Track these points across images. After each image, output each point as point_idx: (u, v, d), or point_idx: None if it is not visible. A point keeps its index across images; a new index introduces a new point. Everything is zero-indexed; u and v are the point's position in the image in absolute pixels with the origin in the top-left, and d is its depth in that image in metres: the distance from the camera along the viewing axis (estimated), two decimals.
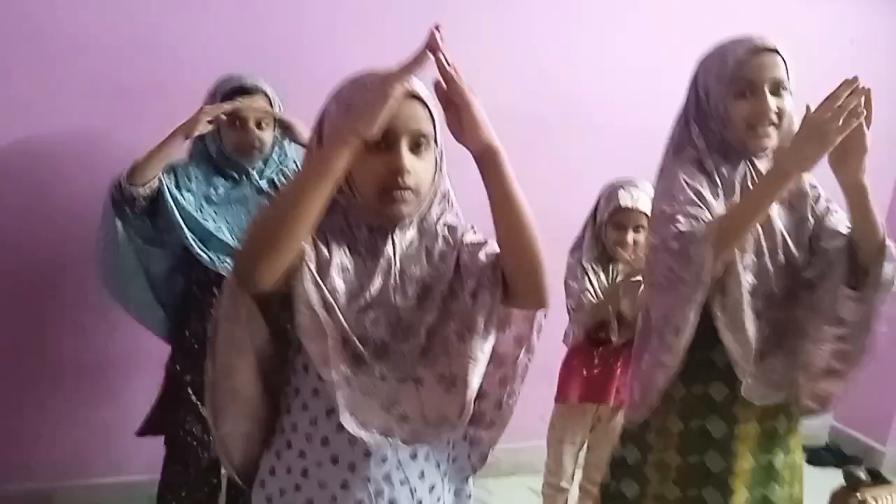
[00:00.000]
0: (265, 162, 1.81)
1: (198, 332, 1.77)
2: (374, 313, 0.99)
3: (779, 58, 1.36)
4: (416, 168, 0.98)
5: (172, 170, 1.73)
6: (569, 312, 1.97)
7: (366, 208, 1.00)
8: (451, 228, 1.07)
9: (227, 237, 1.72)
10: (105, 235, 1.74)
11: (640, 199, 1.87)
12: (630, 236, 1.90)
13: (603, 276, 1.96)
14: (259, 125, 1.74)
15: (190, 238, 1.69)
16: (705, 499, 1.47)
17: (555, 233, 2.11)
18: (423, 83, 0.98)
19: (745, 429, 1.46)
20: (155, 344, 1.92)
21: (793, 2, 2.75)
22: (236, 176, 1.79)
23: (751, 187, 1.39)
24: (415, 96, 0.97)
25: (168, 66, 2.02)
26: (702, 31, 2.69)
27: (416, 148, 0.98)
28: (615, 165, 2.03)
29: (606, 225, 1.93)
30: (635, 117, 2.53)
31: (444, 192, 1.07)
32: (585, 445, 2.13)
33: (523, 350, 1.12)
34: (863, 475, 1.83)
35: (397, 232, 1.03)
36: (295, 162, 1.86)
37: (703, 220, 1.34)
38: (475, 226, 1.09)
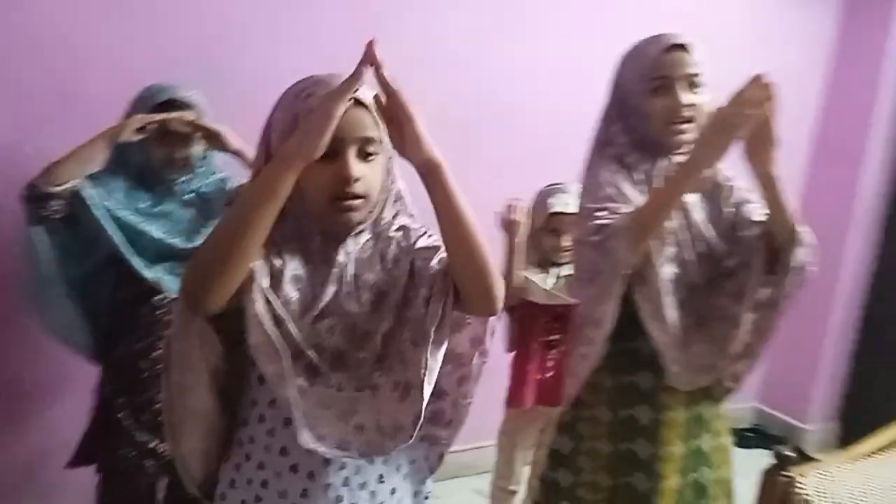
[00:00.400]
0: (190, 174, 1.75)
1: (128, 351, 1.69)
2: (329, 322, 1.00)
3: (689, 55, 1.40)
4: (365, 175, 0.98)
5: (92, 177, 1.63)
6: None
7: (317, 216, 1.01)
8: (406, 231, 1.08)
9: (157, 236, 1.65)
10: (22, 242, 1.63)
11: (571, 203, 1.90)
12: (565, 241, 1.92)
13: (548, 280, 1.98)
14: (188, 139, 1.68)
15: (117, 240, 1.60)
16: (635, 485, 1.52)
17: (490, 237, 2.14)
18: (368, 90, 0.97)
19: (672, 415, 1.51)
20: (81, 366, 1.82)
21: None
22: (160, 189, 1.71)
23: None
24: (359, 102, 0.96)
25: (76, 69, 1.91)
26: (626, 33, 2.77)
27: (363, 154, 0.99)
28: (547, 168, 2.06)
29: (541, 232, 1.96)
30: (566, 119, 2.59)
31: (397, 194, 1.08)
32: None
33: (477, 353, 1.13)
34: (791, 454, 1.91)
35: (350, 238, 1.03)
36: (222, 178, 1.80)
37: (621, 214, 1.38)
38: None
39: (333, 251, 1.02)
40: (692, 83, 1.40)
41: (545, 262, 1.99)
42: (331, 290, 1.00)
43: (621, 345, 1.46)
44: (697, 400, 1.52)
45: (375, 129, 0.99)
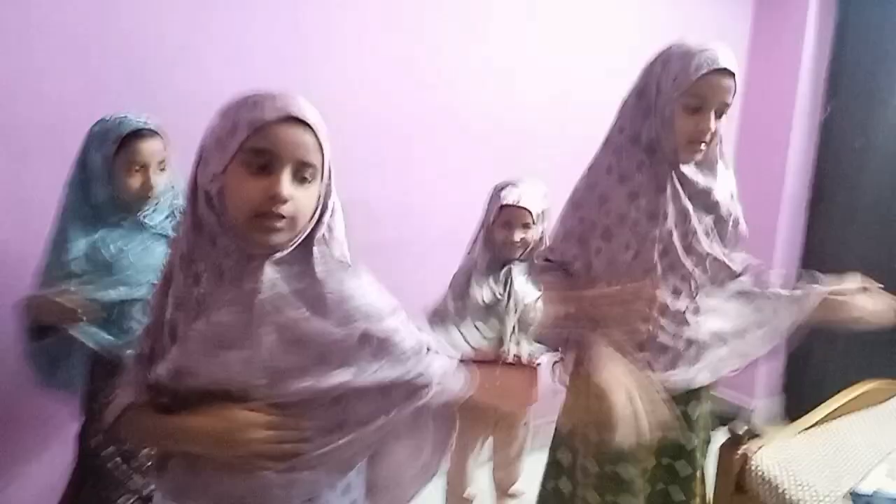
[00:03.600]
0: (156, 203, 1.70)
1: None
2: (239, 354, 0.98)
3: (733, 82, 1.40)
4: (296, 197, 0.95)
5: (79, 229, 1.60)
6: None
7: (236, 232, 0.97)
8: (360, 289, 1.05)
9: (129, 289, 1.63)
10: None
11: (524, 196, 1.89)
12: (517, 234, 1.90)
13: (495, 287, 1.92)
14: (158, 170, 1.65)
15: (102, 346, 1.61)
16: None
17: (436, 239, 2.16)
18: (313, 108, 0.97)
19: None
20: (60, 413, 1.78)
21: (622, 5, 2.94)
22: (124, 222, 1.66)
23: (668, 189, 1.47)
24: (304, 122, 0.94)
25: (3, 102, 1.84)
26: (566, 34, 2.83)
27: (299, 177, 0.96)
28: (493, 169, 2.11)
29: (494, 225, 1.93)
30: (511, 119, 2.66)
31: (330, 228, 1.03)
32: (490, 444, 2.12)
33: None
34: (742, 431, 2.00)
35: (268, 263, 0.98)
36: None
37: (564, 270, 1.55)
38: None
39: (249, 275, 0.97)
40: (722, 112, 1.42)
41: (495, 263, 1.95)
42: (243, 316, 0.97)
43: None
44: (683, 400, 1.57)
45: (316, 154, 0.96)
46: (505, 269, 1.94)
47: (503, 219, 1.91)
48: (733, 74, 1.39)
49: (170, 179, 1.70)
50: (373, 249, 2.30)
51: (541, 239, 1.96)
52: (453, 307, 1.93)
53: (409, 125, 2.47)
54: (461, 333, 1.90)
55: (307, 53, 2.25)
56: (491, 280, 1.93)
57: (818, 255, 3.32)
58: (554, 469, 1.71)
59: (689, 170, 1.49)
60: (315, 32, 2.26)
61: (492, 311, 1.91)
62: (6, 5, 1.79)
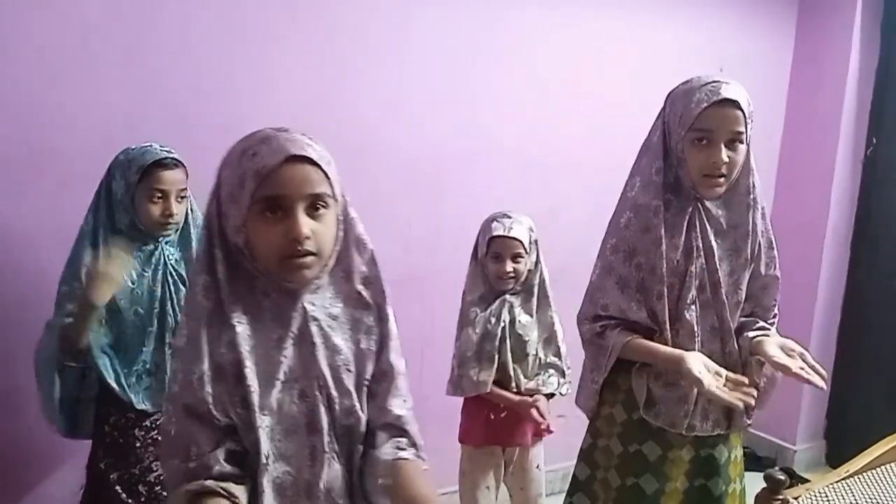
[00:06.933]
0: (176, 233, 1.75)
1: (119, 425, 1.69)
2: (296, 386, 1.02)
3: (739, 112, 1.39)
4: (316, 231, 0.98)
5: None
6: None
7: (270, 275, 1.00)
8: (368, 282, 1.09)
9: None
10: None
11: (514, 228, 1.90)
12: (508, 266, 1.89)
13: (492, 320, 1.92)
14: (179, 199, 1.70)
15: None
16: None
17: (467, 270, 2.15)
18: (308, 138, 0.98)
19: (678, 454, 1.54)
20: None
21: (666, 32, 2.94)
22: (148, 249, 1.71)
23: (697, 226, 1.47)
24: (306, 158, 0.96)
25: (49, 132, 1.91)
26: (602, 65, 2.83)
27: (313, 211, 0.98)
28: (522, 199, 2.14)
29: (486, 258, 1.93)
30: (541, 151, 2.68)
31: (357, 239, 1.07)
32: (505, 489, 2.09)
33: None
34: (781, 477, 1.92)
35: (306, 296, 1.03)
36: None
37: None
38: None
39: (290, 308, 1.02)
40: (734, 141, 1.41)
41: (489, 295, 1.96)
42: (291, 350, 1.01)
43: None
44: (710, 443, 1.55)
45: (324, 184, 0.98)
46: (498, 301, 1.94)
47: (493, 250, 1.92)
48: (738, 104, 1.39)
49: (188, 208, 1.75)
50: (405, 280, 2.33)
51: (535, 267, 1.95)
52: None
53: (440, 157, 2.48)
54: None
55: (339, 86, 2.28)
56: (483, 312, 1.94)
57: (862, 290, 3.23)
58: (571, 485, 1.70)
59: (713, 206, 1.48)
60: (347, 65, 2.29)
61: (485, 342, 1.92)
62: (49, 41, 1.87)
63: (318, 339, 1.02)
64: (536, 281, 1.97)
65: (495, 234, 1.90)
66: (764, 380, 1.53)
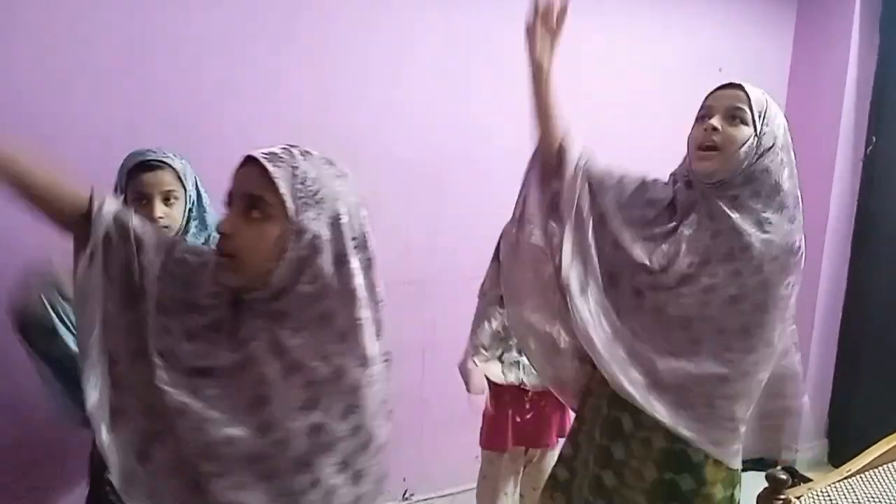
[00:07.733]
0: (180, 234, 1.67)
1: None
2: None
3: (741, 92, 1.41)
4: (240, 233, 0.94)
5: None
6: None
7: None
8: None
9: None
10: None
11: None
12: None
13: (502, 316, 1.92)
14: (167, 201, 1.63)
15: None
16: None
17: (467, 274, 2.15)
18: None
19: (649, 436, 1.49)
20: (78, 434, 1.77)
21: (665, 33, 2.93)
22: None
23: (697, 216, 1.47)
24: (253, 159, 0.95)
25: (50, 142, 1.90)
26: (603, 69, 2.82)
27: (247, 211, 0.94)
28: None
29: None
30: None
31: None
32: (517, 492, 2.09)
33: None
34: (784, 476, 1.91)
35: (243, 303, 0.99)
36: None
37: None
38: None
39: (227, 312, 1.00)
40: (733, 115, 1.40)
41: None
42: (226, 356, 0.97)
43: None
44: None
45: (267, 190, 0.93)
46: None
47: None
48: (738, 85, 1.42)
49: (188, 209, 1.67)
50: (404, 286, 2.32)
51: None
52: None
53: (439, 162, 2.48)
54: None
55: (338, 93, 2.28)
56: (503, 310, 1.92)
57: (863, 288, 3.23)
58: (549, 486, 1.67)
59: (725, 203, 1.42)
60: (346, 73, 2.29)
61: (502, 340, 1.94)
62: (49, 47, 1.87)
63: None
64: None
65: None
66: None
